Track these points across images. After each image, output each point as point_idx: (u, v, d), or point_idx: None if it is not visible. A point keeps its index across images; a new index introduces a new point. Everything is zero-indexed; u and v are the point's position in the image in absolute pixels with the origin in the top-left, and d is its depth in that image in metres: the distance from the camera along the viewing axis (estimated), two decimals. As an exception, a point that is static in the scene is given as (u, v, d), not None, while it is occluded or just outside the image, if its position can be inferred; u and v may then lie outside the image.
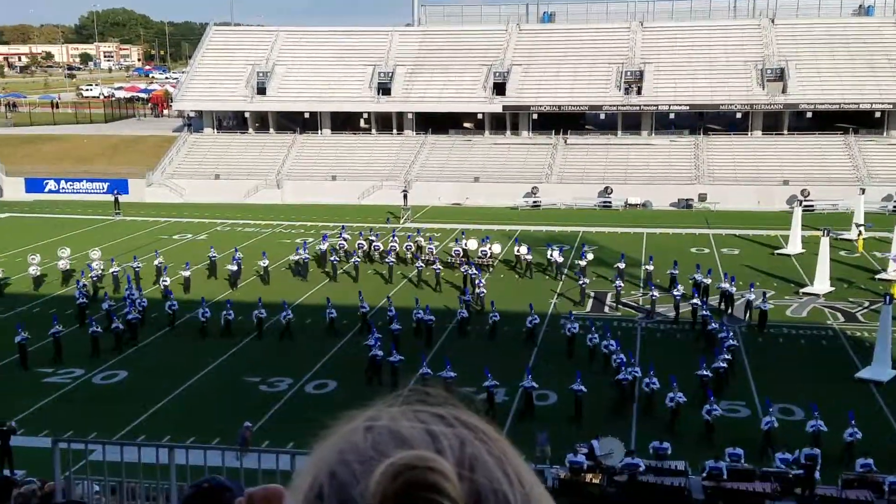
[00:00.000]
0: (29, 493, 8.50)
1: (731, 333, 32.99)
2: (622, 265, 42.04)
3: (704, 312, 35.62)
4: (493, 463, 1.25)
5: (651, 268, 42.10)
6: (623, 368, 29.26)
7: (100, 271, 42.57)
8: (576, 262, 44.80)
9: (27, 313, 38.85)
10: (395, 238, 47.96)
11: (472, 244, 47.69)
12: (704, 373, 28.97)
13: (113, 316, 35.74)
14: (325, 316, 36.38)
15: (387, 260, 45.34)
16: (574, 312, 36.64)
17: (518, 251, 46.49)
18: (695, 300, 36.45)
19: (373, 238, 48.47)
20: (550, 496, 1.33)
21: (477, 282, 40.43)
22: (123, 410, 28.65)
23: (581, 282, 40.57)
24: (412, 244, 47.33)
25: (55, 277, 43.83)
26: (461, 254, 46.05)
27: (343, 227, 51.23)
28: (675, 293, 37.51)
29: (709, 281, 39.73)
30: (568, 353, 32.96)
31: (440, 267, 43.34)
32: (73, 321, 37.01)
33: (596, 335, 32.73)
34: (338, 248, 47.03)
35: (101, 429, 26.48)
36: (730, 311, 37.80)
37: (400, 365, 30.30)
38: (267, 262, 44.23)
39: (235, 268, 43.20)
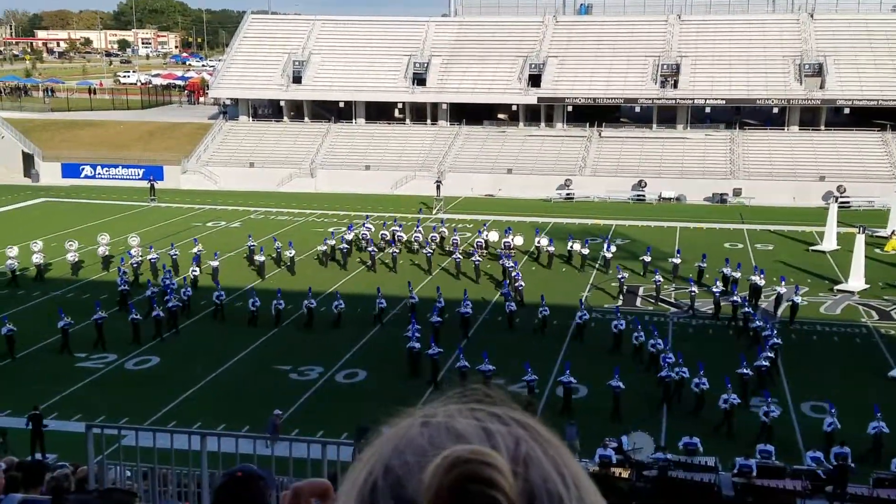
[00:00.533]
0: (62, 478, 8.62)
1: (775, 331, 32.21)
2: (647, 258, 42.23)
3: (747, 309, 35.05)
4: (548, 463, 1.25)
5: (678, 260, 41.95)
6: (666, 365, 28.78)
7: (139, 258, 42.82)
8: (601, 254, 44.65)
9: (61, 298, 39.23)
10: (420, 229, 47.94)
11: (493, 236, 47.50)
12: (745, 371, 28.37)
13: (154, 303, 35.76)
14: (338, 306, 36.50)
15: (425, 250, 44.95)
16: (612, 306, 36.94)
17: (539, 243, 46.34)
18: (735, 297, 35.97)
19: (396, 228, 48.14)
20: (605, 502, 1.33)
21: (515, 274, 39.96)
22: (155, 396, 28.96)
23: (620, 276, 39.97)
24: (437, 235, 47.22)
25: (93, 262, 44.19)
26: (482, 245, 45.66)
27: (367, 217, 51.27)
28: (715, 289, 37.02)
29: (738, 274, 39.35)
30: (613, 349, 32.81)
31: (459, 256, 43.39)
32: (114, 307, 37.25)
33: (642, 333, 32.29)
34: (360, 238, 47.10)
35: (133, 414, 26.81)
36: (756, 303, 37.61)
37: (438, 357, 30.03)
38: (293, 251, 44.36)
39: (263, 258, 43.41)
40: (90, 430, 8.58)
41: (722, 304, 36.94)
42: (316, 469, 8.93)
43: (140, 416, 26.57)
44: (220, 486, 4.21)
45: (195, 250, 43.62)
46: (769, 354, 29.79)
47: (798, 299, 36.17)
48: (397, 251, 45.46)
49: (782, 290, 37.64)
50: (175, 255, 43.53)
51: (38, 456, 23.36)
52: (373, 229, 48.20)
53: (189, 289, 38.36)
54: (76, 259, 43.37)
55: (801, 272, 43.13)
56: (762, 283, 38.32)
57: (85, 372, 31.21)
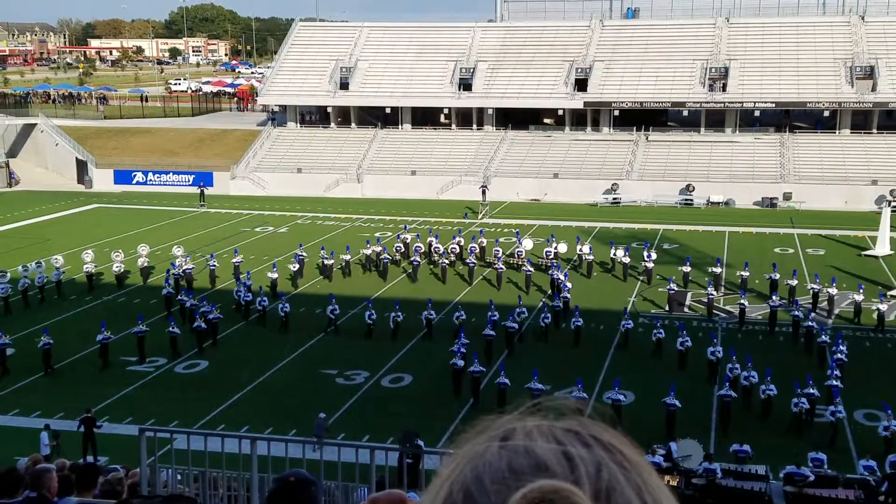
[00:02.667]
0: (115, 481, 8.76)
1: (844, 347, 30.44)
2: (687, 268, 41.24)
3: (810, 323, 33.31)
4: (631, 489, 1.22)
5: (719, 270, 40.94)
6: (733, 372, 28.13)
7: (184, 267, 42.37)
8: (643, 263, 42.94)
9: (106, 307, 39.46)
10: (459, 238, 46.65)
11: (528, 244, 46.13)
12: (812, 391, 26.70)
13: (196, 314, 35.28)
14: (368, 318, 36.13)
15: (468, 261, 43.68)
16: (652, 313, 36.43)
17: (580, 250, 45.00)
18: (796, 311, 34.37)
19: (432, 239, 46.60)
20: None
21: (563, 286, 38.64)
22: (204, 399, 29.29)
23: (669, 288, 38.58)
24: (476, 246, 45.37)
25: (136, 272, 43.66)
26: (522, 255, 44.19)
27: (405, 227, 50.29)
28: (772, 303, 35.64)
29: (794, 282, 38.41)
30: (655, 354, 32.33)
31: (502, 267, 42.28)
32: (160, 313, 37.50)
33: (688, 338, 31.43)
34: (394, 251, 45.78)
35: (182, 417, 27.14)
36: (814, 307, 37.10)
37: (480, 376, 29.08)
38: (349, 256, 44.13)
39: (297, 266, 42.81)
40: (143, 433, 8.72)
41: (779, 314, 35.46)
42: (364, 474, 9.00)
43: (189, 419, 26.88)
44: (273, 491, 4.27)
45: (235, 260, 43.16)
46: (838, 373, 28.03)
47: (884, 307, 35.35)
48: (419, 260, 43.97)
49: (833, 291, 37.23)
50: (213, 265, 42.92)
51: (90, 459, 23.75)
52: (409, 239, 46.89)
53: (264, 299, 37.50)
54: (122, 269, 42.99)
55: (854, 277, 42.43)
56: (818, 287, 37.70)
57: (136, 375, 31.65)
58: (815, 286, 37.78)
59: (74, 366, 32.25)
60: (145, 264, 43.71)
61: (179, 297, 38.18)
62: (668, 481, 22.40)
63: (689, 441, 24.15)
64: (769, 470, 22.99)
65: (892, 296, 39.46)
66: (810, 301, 37.37)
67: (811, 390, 26.62)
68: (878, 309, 35.29)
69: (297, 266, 42.89)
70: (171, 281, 39.84)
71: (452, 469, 1.30)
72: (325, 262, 43.31)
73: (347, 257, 43.86)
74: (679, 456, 23.13)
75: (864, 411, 27.76)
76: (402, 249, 45.88)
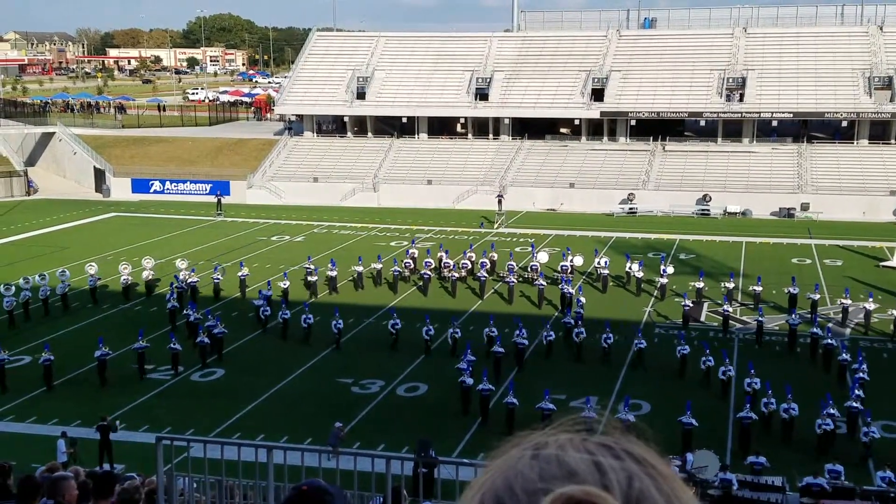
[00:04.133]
0: (132, 489, 8.81)
1: (865, 366, 29.48)
2: (700, 283, 40.28)
3: (829, 341, 32.28)
4: (662, 501, 1.23)
5: (731, 285, 39.89)
6: (751, 387, 27.71)
7: (188, 280, 41.65)
8: (658, 280, 42.01)
9: (108, 320, 39.05)
10: (470, 253, 45.72)
11: (542, 257, 45.28)
12: (833, 412, 25.99)
13: (200, 328, 34.46)
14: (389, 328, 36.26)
15: (479, 275, 42.99)
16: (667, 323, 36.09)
17: (597, 263, 44.34)
18: (816, 329, 33.55)
19: (442, 254, 45.58)
20: None
21: (577, 300, 37.84)
22: (220, 407, 29.37)
23: (685, 304, 37.54)
24: (486, 261, 44.36)
25: (141, 284, 43.00)
26: (537, 269, 42.88)
27: (413, 241, 49.65)
28: (792, 321, 34.62)
29: (817, 296, 37.99)
30: (679, 374, 31.60)
31: (514, 281, 41.44)
32: (166, 325, 37.05)
33: (711, 358, 30.78)
34: (403, 266, 44.29)
35: (198, 425, 27.23)
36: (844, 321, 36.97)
37: (490, 394, 28.37)
38: (361, 267, 43.50)
39: (315, 278, 42.21)
40: (160, 441, 8.77)
41: (798, 331, 34.49)
42: (380, 483, 9.01)
43: (205, 428, 26.99)
44: (287, 499, 4.29)
45: (241, 274, 42.42)
46: (860, 394, 27.17)
47: None
48: (430, 274, 43.09)
49: (847, 302, 37.05)
50: (218, 279, 42.16)
51: (107, 466, 23.83)
52: (417, 254, 45.99)
53: (286, 312, 36.72)
54: (129, 282, 42.34)
55: (872, 288, 42.16)
56: (849, 301, 37.40)
57: (152, 383, 31.75)
58: (845, 301, 37.35)
59: (90, 374, 32.22)
60: (150, 277, 43.08)
61: (184, 311, 37.47)
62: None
63: (705, 452, 24.04)
64: (786, 481, 22.87)
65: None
66: (840, 313, 37.20)
67: (832, 410, 25.92)
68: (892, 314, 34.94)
69: (315, 278, 42.42)
70: (175, 294, 39.11)
71: (485, 479, 1.32)
72: (309, 278, 42.23)
73: (360, 269, 43.25)
74: (695, 467, 23.04)
75: (881, 423, 27.57)
76: (411, 265, 44.66)
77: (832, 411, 25.88)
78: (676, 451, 23.67)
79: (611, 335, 33.34)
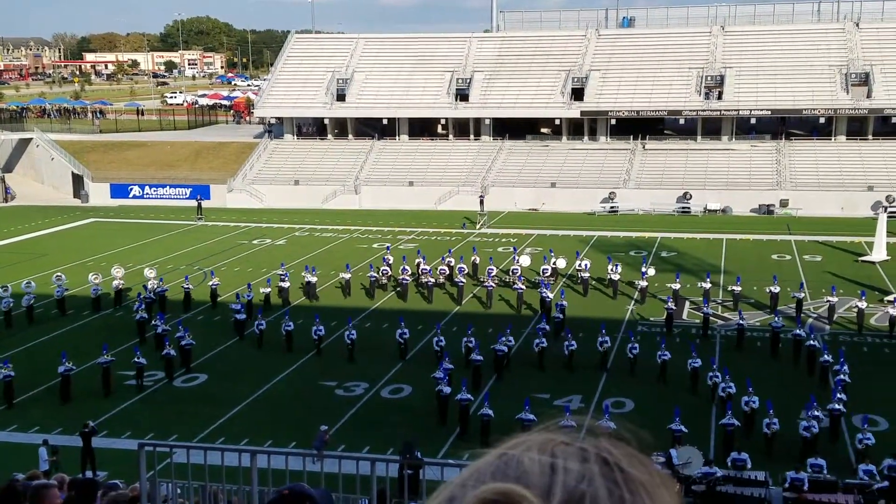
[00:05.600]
0: (122, 499, 8.75)
1: (846, 367, 29.10)
2: (677, 286, 39.36)
3: (812, 343, 32.02)
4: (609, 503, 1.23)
5: (708, 285, 39.48)
6: (725, 391, 27.47)
7: (156, 290, 40.60)
8: (637, 283, 41.34)
9: (85, 327, 38.71)
10: (449, 258, 44.78)
11: (524, 260, 44.69)
12: (817, 414, 25.73)
13: (166, 340, 33.43)
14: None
15: (457, 280, 41.83)
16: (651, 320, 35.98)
17: (578, 266, 43.60)
18: (799, 331, 33.17)
19: (420, 260, 44.65)
20: None
21: (556, 305, 37.22)
22: (203, 413, 29.22)
23: (668, 307, 36.89)
24: (465, 266, 43.34)
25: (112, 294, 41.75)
26: (517, 272, 41.94)
27: (388, 248, 48.85)
28: (775, 324, 33.94)
29: (802, 295, 38.05)
30: (660, 379, 30.87)
31: (492, 285, 40.72)
32: (135, 338, 36.07)
33: (698, 360, 30.26)
34: (380, 274, 43.24)
35: (181, 431, 27.08)
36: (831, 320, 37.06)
37: (468, 405, 27.55)
38: (349, 274, 42.77)
39: (314, 279, 41.81)
40: (143, 448, 8.71)
41: (781, 334, 33.90)
42: (365, 486, 8.99)
43: (188, 433, 26.84)
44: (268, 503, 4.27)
45: (211, 283, 41.58)
46: (842, 397, 26.86)
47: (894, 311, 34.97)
48: (407, 279, 42.33)
49: (834, 299, 37.23)
50: (188, 288, 41.26)
51: (89, 473, 23.69)
52: (392, 260, 44.95)
53: (262, 322, 35.86)
54: (99, 291, 41.07)
55: (851, 283, 42.49)
56: (835, 299, 37.42)
57: (134, 389, 31.50)
58: (831, 299, 37.38)
59: (77, 378, 31.89)
60: (120, 286, 41.74)
61: (153, 321, 36.30)
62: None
63: (689, 448, 24.14)
64: (769, 475, 22.98)
65: (888, 301, 39.49)
66: (826, 311, 37.41)
67: (817, 412, 25.76)
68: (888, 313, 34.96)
69: (287, 284, 41.66)
70: (143, 305, 37.83)
71: (461, 473, 1.34)
72: (281, 284, 41.51)
73: (348, 276, 42.46)
74: (679, 463, 23.12)
75: (862, 416, 27.74)
76: (388, 273, 43.70)
77: (817, 413, 25.77)
78: (662, 448, 23.70)
79: (607, 339, 32.53)
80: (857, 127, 68.53)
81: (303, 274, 42.72)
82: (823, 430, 25.69)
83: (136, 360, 31.52)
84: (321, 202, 67.38)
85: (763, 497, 22.26)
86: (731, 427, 25.70)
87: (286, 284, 41.63)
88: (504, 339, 32.46)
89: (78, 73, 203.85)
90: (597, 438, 1.35)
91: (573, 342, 32.33)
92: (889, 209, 54.82)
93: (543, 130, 75.87)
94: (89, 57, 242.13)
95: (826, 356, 30.82)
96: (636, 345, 32.15)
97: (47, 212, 66.70)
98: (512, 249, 47.71)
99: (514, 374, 32.19)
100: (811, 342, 32.19)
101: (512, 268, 43.21)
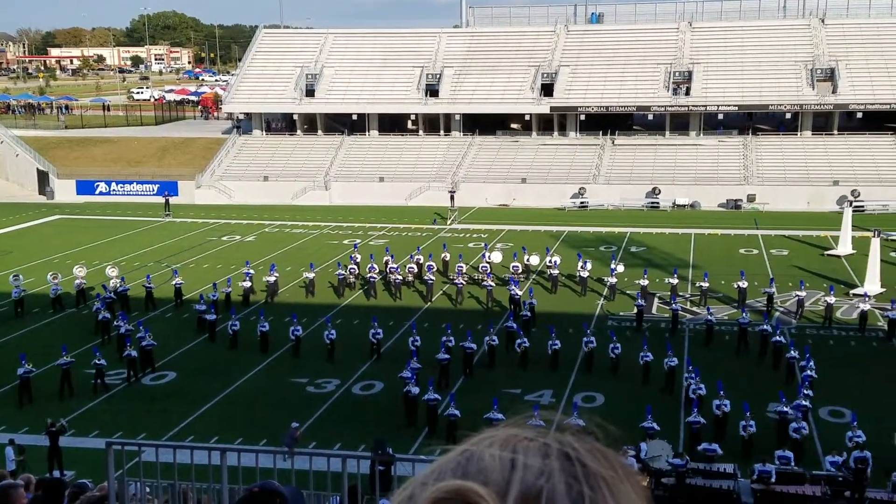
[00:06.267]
0: (90, 499, 8.66)
1: (812, 363, 29.03)
2: (645, 281, 39.14)
3: (778, 338, 32.16)
4: (567, 502, 1.23)
5: (675, 281, 39.33)
6: (695, 393, 27.08)
7: (117, 289, 39.88)
8: (607, 280, 41.36)
9: (37, 334, 37.67)
10: (417, 255, 44.53)
11: (496, 257, 44.81)
12: (784, 409, 25.89)
13: (127, 341, 32.62)
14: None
15: (427, 278, 41.42)
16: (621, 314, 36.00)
17: (548, 262, 43.30)
18: (765, 326, 33.20)
19: (388, 258, 43.72)
20: None
21: (525, 302, 37.17)
22: (172, 411, 29.01)
23: (637, 303, 36.81)
24: (433, 264, 42.76)
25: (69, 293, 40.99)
26: (488, 269, 41.88)
27: (356, 246, 48.41)
28: (742, 320, 34.00)
29: (773, 290, 38.09)
30: (644, 380, 30.47)
31: (462, 283, 40.41)
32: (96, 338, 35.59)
33: (675, 359, 30.06)
34: (347, 272, 42.77)
35: (150, 429, 26.87)
36: (800, 314, 37.37)
37: (436, 405, 27.27)
38: (313, 273, 42.28)
39: (273, 279, 41.31)
40: (111, 446, 8.63)
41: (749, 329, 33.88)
42: (336, 482, 8.97)
43: (157, 431, 26.65)
44: (238, 501, 4.25)
45: (175, 282, 40.79)
46: (808, 393, 26.87)
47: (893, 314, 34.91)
48: (375, 277, 41.98)
49: (803, 294, 37.57)
50: (151, 287, 40.55)
51: (56, 473, 23.46)
52: (360, 258, 44.28)
53: (236, 323, 35.33)
54: (59, 291, 40.27)
55: (817, 277, 42.96)
56: (804, 293, 37.68)
57: (99, 389, 31.10)
58: (800, 293, 37.61)
59: (38, 380, 31.54)
60: (83, 285, 40.89)
61: (115, 322, 35.71)
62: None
63: (659, 442, 24.32)
64: (737, 468, 23.18)
65: (854, 294, 39.97)
66: (794, 305, 37.71)
67: (784, 408, 25.92)
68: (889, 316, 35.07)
69: (249, 283, 41.15)
70: (104, 305, 37.10)
71: (425, 470, 1.34)
72: (242, 284, 40.89)
73: (311, 275, 42.05)
74: (649, 456, 23.28)
75: (829, 408, 28.10)
76: (356, 271, 43.27)
77: (784, 409, 25.94)
78: (632, 442, 23.82)
79: (592, 339, 32.14)
80: (823, 122, 69.25)
81: (266, 277, 41.99)
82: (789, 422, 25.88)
83: (95, 361, 31.06)
84: (291, 198, 67.09)
85: (732, 489, 22.46)
86: (697, 425, 25.74)
87: (247, 284, 41.00)
88: (472, 336, 32.28)
89: (43, 68, 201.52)
90: (562, 434, 1.35)
91: (557, 341, 32.08)
92: (854, 204, 55.42)
93: (513, 126, 75.99)
94: (54, 52, 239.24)
95: (793, 352, 30.81)
96: (618, 345, 31.61)
97: (12, 209, 65.87)
98: (483, 246, 47.75)
99: (483, 370, 32.10)
100: (778, 338, 32.35)
101: (481, 265, 43.16)
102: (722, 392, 26.53)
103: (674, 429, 26.72)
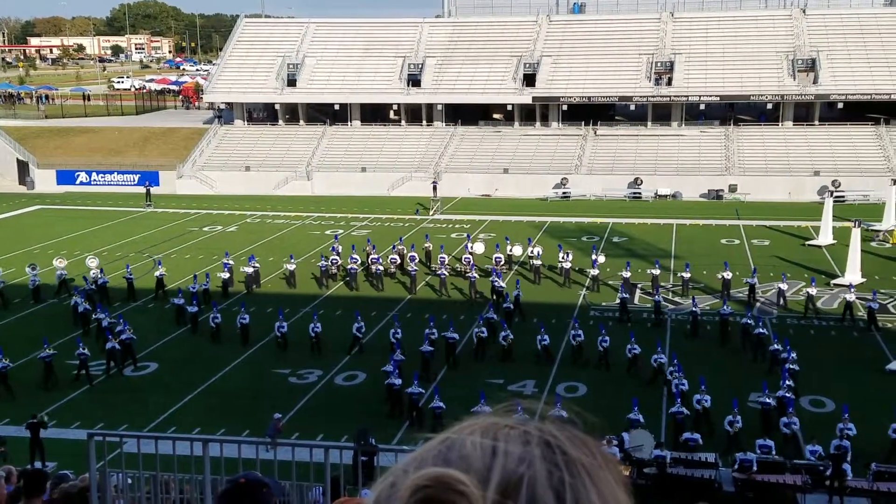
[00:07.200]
0: (72, 490, 8.62)
1: (794, 355, 29.11)
2: (627, 273, 39.43)
3: (760, 330, 32.15)
4: (548, 487, 1.23)
5: (658, 272, 39.17)
6: (678, 388, 26.87)
7: (97, 280, 39.54)
8: (587, 270, 41.28)
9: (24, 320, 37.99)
10: (400, 246, 44.47)
11: (478, 247, 44.62)
12: (767, 400, 26.00)
13: (108, 334, 32.40)
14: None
15: (410, 269, 41.49)
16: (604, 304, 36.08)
17: (530, 253, 43.61)
18: (747, 320, 33.04)
19: (369, 249, 43.78)
20: None
21: (507, 294, 36.92)
22: (154, 402, 28.91)
23: (621, 295, 36.77)
24: (415, 255, 42.94)
25: (52, 284, 40.65)
26: (470, 261, 41.69)
27: (336, 237, 47.98)
28: (723, 311, 33.98)
29: (755, 280, 38.25)
30: (627, 371, 30.44)
31: (445, 273, 40.43)
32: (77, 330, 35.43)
33: (662, 355, 29.96)
34: (330, 263, 42.67)
35: (132, 420, 26.77)
36: (784, 305, 37.47)
37: (419, 398, 27.16)
38: (293, 265, 42.06)
39: (251, 270, 41.20)
40: (92, 438, 8.58)
41: (731, 320, 33.95)
42: (319, 473, 8.95)
43: (139, 422, 26.55)
44: (223, 492, 4.23)
45: (157, 273, 40.51)
46: (790, 384, 26.96)
47: (874, 305, 34.94)
48: (356, 268, 41.68)
49: (784, 286, 37.73)
50: (132, 278, 40.15)
51: (38, 464, 23.35)
52: (342, 249, 44.27)
53: (217, 315, 34.83)
54: (38, 283, 39.93)
55: (798, 267, 43.20)
56: (786, 286, 37.76)
57: (82, 379, 30.98)
58: (782, 286, 37.78)
59: (19, 371, 31.35)
60: (64, 276, 40.59)
61: (95, 315, 35.32)
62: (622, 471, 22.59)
63: (641, 431, 24.44)
64: (718, 457, 23.33)
65: (834, 284, 40.21)
66: (776, 296, 37.87)
67: (767, 399, 26.06)
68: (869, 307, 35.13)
69: (228, 275, 40.85)
70: (84, 296, 36.81)
71: (403, 459, 1.34)
72: (221, 275, 40.60)
73: (292, 266, 41.85)
74: (631, 446, 23.40)
75: (809, 397, 28.29)
76: (338, 262, 43.18)
77: (767, 400, 26.07)
78: (614, 432, 23.92)
79: (580, 332, 32.07)
80: (804, 112, 69.51)
81: (244, 268, 41.76)
82: (772, 412, 26.03)
83: (79, 351, 30.86)
84: (273, 188, 66.88)
85: (713, 478, 22.62)
86: (682, 416, 25.83)
87: (226, 275, 40.68)
88: (455, 327, 32.29)
89: (22, 57, 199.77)
90: (542, 422, 1.35)
91: (546, 336, 31.95)
92: (835, 194, 55.73)
93: (496, 116, 75.98)
94: (34, 41, 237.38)
95: (775, 345, 30.90)
96: (607, 338, 31.35)
97: (-8, 199, 65.39)
98: (466, 237, 47.72)
99: (468, 361, 32.09)
100: (760, 329, 32.42)
101: (464, 256, 43.08)
102: (703, 387, 26.54)
103: (657, 420, 26.84)
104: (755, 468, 22.61)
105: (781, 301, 37.66)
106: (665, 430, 26.07)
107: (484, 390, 26.24)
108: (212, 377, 31.22)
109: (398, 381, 27.84)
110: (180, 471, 9.31)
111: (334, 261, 43.10)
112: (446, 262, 42.10)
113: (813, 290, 36.83)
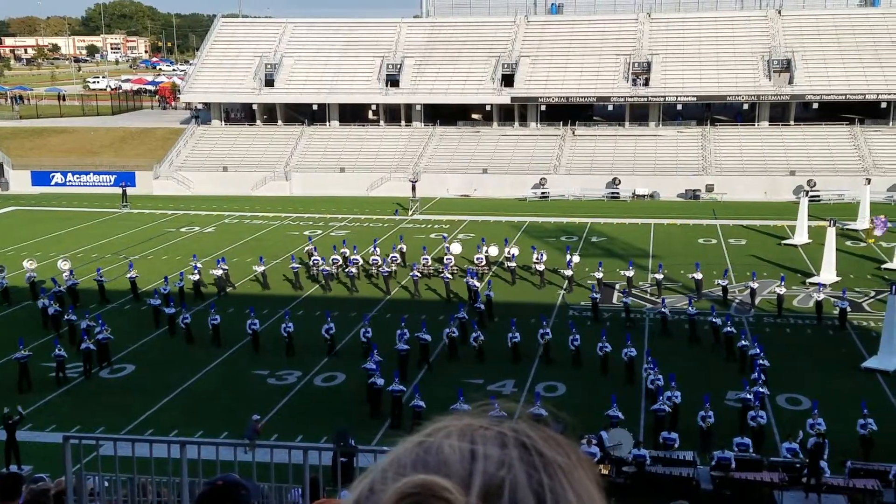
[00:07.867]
0: (39, 492, 8.54)
1: (763, 352, 29.36)
2: (600, 274, 39.42)
3: (729, 329, 32.29)
4: (528, 491, 1.23)
5: (631, 273, 39.61)
6: (661, 397, 26.56)
7: (66, 282, 39.12)
8: (561, 271, 41.30)
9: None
10: (376, 249, 43.95)
11: (455, 248, 44.58)
12: (748, 396, 26.18)
13: (84, 335, 32.02)
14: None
15: (382, 270, 41.12)
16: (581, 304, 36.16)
17: (507, 253, 43.56)
18: (713, 318, 33.33)
19: (346, 252, 43.53)
20: None
21: (478, 294, 36.90)
22: (131, 404, 28.70)
23: (593, 295, 36.91)
24: (396, 255, 42.87)
25: (23, 286, 40.44)
26: (451, 261, 41.81)
27: (310, 239, 47.90)
28: (690, 310, 34.29)
29: (725, 282, 38.58)
30: (602, 371, 30.62)
31: (418, 274, 40.13)
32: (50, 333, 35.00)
33: (633, 349, 30.07)
34: (311, 264, 42.83)
35: (109, 423, 26.58)
36: (753, 304, 37.68)
37: (401, 395, 27.09)
38: (263, 266, 41.93)
39: (220, 273, 40.90)
40: (68, 441, 8.51)
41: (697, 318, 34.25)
42: (297, 475, 8.92)
43: (116, 425, 26.35)
44: (201, 495, 4.21)
45: (130, 276, 40.18)
46: (762, 378, 27.36)
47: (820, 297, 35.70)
48: (354, 272, 41.32)
49: (755, 285, 37.96)
50: (103, 280, 39.71)
51: (14, 467, 23.14)
52: (317, 251, 43.84)
53: (187, 316, 34.52)
54: (5, 284, 39.78)
55: (774, 266, 43.47)
56: (756, 285, 37.94)
57: (57, 381, 30.67)
58: (753, 284, 37.94)
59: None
60: (34, 279, 40.14)
61: (66, 316, 35.00)
62: (601, 470, 22.70)
63: (620, 430, 24.52)
64: (696, 455, 23.45)
65: (810, 283, 40.49)
66: (748, 296, 38.07)
67: (746, 395, 26.11)
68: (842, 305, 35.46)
69: (221, 272, 40.97)
70: (54, 298, 36.58)
71: (379, 462, 1.33)
72: (192, 277, 40.26)
73: (262, 268, 41.56)
74: (610, 445, 23.47)
75: (785, 395, 28.49)
76: (319, 263, 42.52)
77: (746, 396, 26.21)
78: (592, 431, 23.98)
79: (548, 331, 32.14)
80: (780, 113, 69.99)
81: (213, 270, 41.53)
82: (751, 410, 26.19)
83: (56, 352, 30.66)
84: (251, 189, 66.61)
85: (691, 476, 22.73)
86: (662, 412, 25.95)
87: (196, 277, 40.39)
88: (427, 327, 32.03)
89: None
90: (516, 422, 1.35)
91: (517, 334, 31.96)
92: (810, 193, 56.16)
93: (474, 116, 76.03)
94: (8, 41, 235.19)
95: (743, 341, 31.18)
96: (577, 336, 31.45)
97: (-34, 200, 64.75)
98: (442, 237, 47.63)
99: (446, 362, 32.07)
100: (728, 328, 32.50)
101: (445, 257, 42.86)
102: (674, 384, 26.63)
103: (634, 418, 26.95)
104: (733, 466, 22.75)
105: (754, 300, 37.89)
106: (643, 429, 26.17)
107: (462, 389, 26.19)
108: (189, 379, 31.05)
109: (381, 381, 27.74)
110: (157, 473, 9.26)
111: (315, 261, 42.68)
112: (429, 263, 42.05)
113: (782, 290, 36.97)
